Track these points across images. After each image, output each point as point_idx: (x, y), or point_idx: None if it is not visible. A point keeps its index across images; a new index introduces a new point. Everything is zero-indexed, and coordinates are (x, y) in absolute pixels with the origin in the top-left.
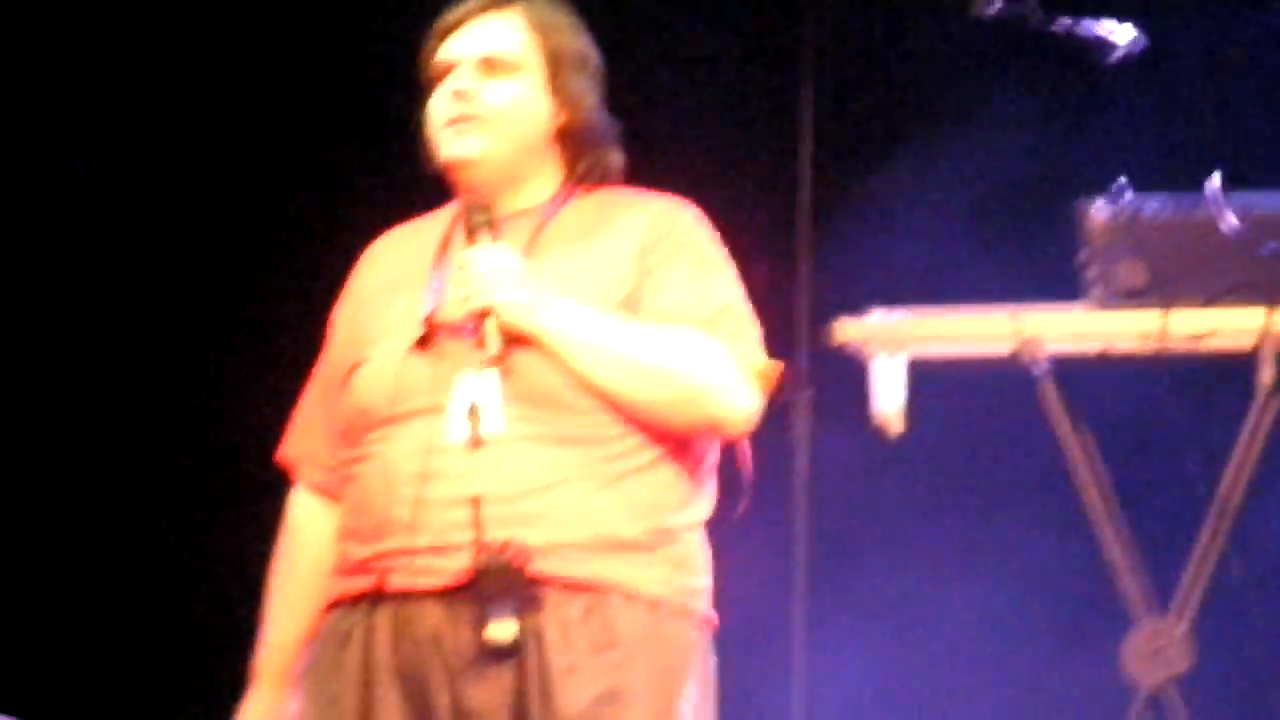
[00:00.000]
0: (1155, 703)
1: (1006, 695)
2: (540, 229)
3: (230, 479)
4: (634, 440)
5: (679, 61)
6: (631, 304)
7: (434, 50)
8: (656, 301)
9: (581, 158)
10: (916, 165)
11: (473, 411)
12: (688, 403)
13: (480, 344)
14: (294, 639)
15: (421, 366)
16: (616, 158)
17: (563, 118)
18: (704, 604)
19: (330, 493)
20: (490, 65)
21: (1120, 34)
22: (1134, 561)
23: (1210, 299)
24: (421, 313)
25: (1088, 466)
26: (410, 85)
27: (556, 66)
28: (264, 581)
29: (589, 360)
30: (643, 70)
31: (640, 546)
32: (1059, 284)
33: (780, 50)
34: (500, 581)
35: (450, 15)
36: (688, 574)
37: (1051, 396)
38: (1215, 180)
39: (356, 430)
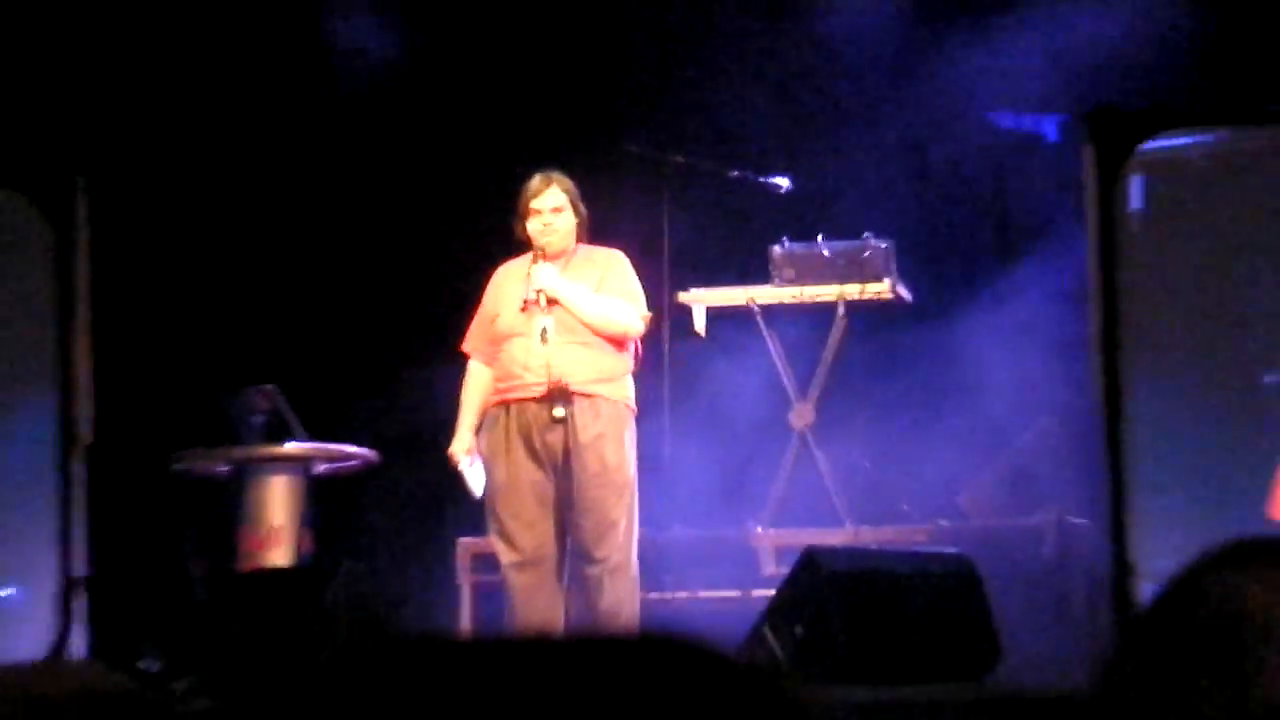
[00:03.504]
0: (801, 436)
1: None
2: (568, 262)
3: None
4: (604, 341)
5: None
6: (601, 289)
7: (529, 200)
8: (608, 289)
9: (580, 238)
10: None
11: (544, 331)
12: (620, 327)
13: (538, 303)
14: (476, 414)
15: (523, 316)
16: (585, 233)
17: (576, 224)
18: (632, 401)
19: (486, 361)
20: (557, 210)
21: (780, 181)
22: (792, 381)
23: (815, 281)
24: (520, 297)
25: (776, 349)
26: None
27: (576, 206)
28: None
29: (582, 310)
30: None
31: (613, 379)
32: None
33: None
34: (559, 393)
35: (534, 185)
36: (627, 390)
37: (761, 324)
38: (820, 237)
39: (501, 338)
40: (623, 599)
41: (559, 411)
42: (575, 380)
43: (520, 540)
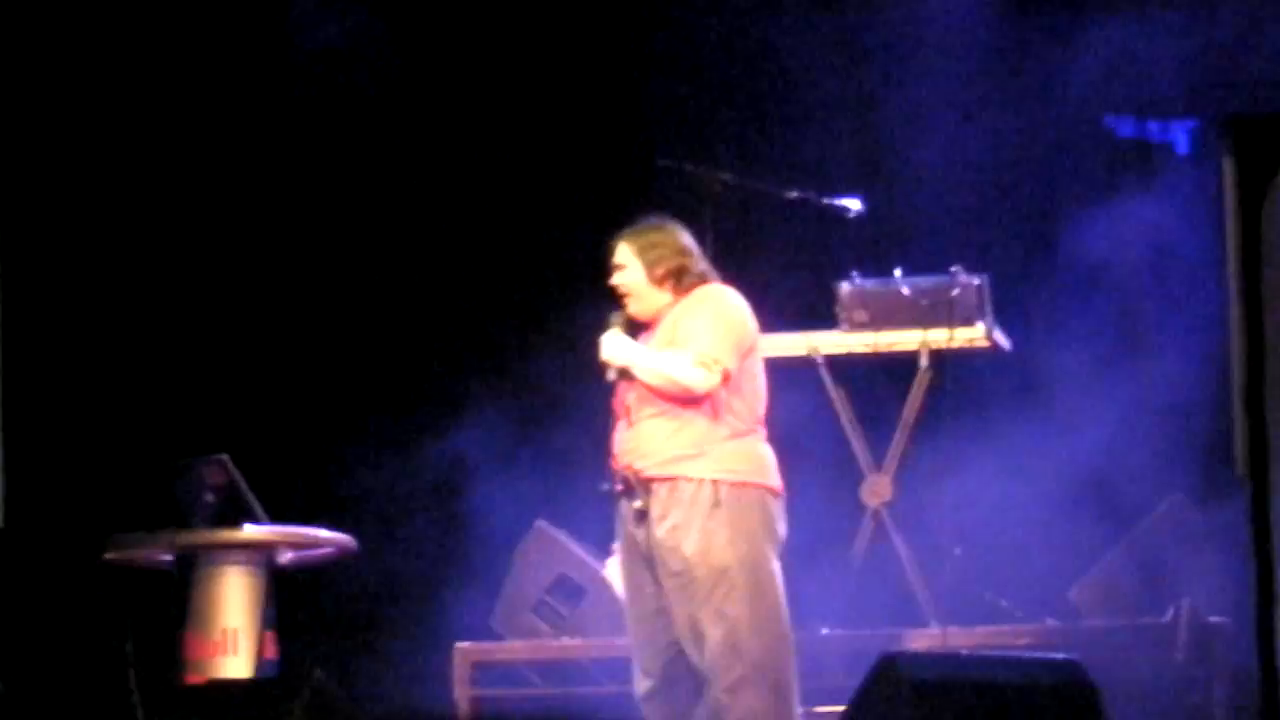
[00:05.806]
0: (875, 515)
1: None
2: (658, 325)
3: None
4: (680, 407)
5: None
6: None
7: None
8: (679, 338)
9: (673, 290)
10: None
11: (629, 409)
12: (672, 382)
13: (617, 377)
14: None
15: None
16: (690, 277)
17: (646, 279)
18: (734, 475)
19: None
20: (619, 267)
21: (850, 204)
22: (864, 448)
23: (893, 326)
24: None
25: (844, 409)
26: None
27: (647, 258)
28: None
29: (640, 371)
30: None
31: (699, 454)
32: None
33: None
34: (635, 482)
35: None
36: (722, 464)
37: (827, 378)
38: (898, 272)
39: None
40: None
41: (637, 503)
42: (650, 462)
43: (646, 664)
